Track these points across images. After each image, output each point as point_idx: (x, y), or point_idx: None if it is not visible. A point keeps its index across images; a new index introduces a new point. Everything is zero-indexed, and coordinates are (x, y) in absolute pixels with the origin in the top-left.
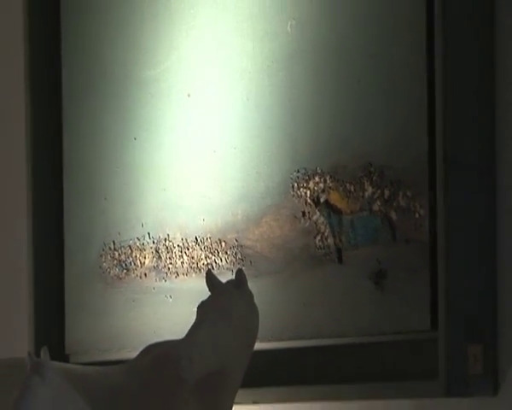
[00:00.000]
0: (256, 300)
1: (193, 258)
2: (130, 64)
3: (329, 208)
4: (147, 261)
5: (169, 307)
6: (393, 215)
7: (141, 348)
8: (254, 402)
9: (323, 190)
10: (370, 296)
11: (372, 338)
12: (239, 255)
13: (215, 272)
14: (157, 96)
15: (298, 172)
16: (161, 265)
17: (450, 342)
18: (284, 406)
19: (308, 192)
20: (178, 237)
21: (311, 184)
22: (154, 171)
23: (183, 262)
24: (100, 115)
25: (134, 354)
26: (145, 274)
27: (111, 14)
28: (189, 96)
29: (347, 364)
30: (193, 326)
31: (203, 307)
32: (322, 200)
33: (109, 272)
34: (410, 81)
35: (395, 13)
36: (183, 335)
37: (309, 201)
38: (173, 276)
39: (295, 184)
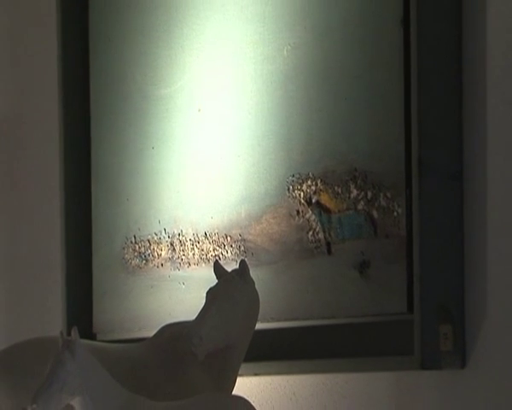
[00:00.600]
0: (257, 286)
1: (202, 250)
2: (149, 84)
3: (320, 208)
4: (163, 253)
5: (182, 293)
6: (375, 214)
7: (158, 328)
8: (255, 374)
9: (315, 192)
10: (355, 283)
11: (356, 319)
12: (242, 248)
13: (222, 262)
14: (171, 111)
15: (293, 176)
16: (175, 256)
17: (423, 322)
18: (281, 377)
19: (302, 194)
20: (190, 232)
21: (304, 187)
22: (170, 175)
23: (194, 254)
24: (122, 128)
25: (152, 333)
26: (161, 264)
27: (131, 42)
28: (199, 111)
29: (335, 341)
30: (202, 309)
31: (211, 293)
32: (313, 200)
33: (131, 263)
34: (388, 98)
35: (376, 39)
36: (195, 316)
37: (302, 201)
38: (186, 266)
39: (290, 187)
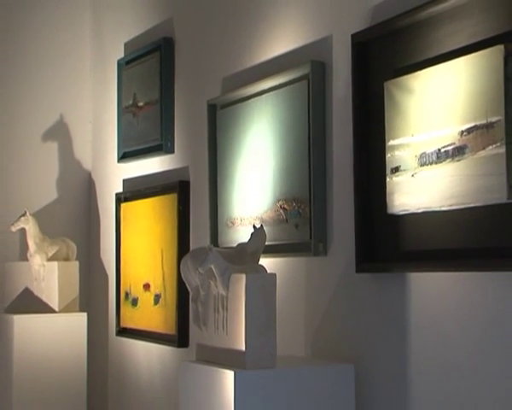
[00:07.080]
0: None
1: (249, 221)
2: (231, 171)
3: (284, 209)
4: (238, 221)
5: (244, 234)
6: (301, 211)
7: (236, 244)
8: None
9: (283, 204)
10: (293, 232)
11: (293, 241)
12: (261, 221)
13: (255, 225)
14: (238, 182)
15: (276, 199)
16: (242, 222)
17: (314, 243)
18: (270, 259)
19: (279, 204)
20: (245, 215)
21: (279, 202)
22: (237, 197)
23: (247, 222)
24: (226, 193)
25: (235, 245)
26: (238, 225)
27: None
28: (246, 170)
29: (282, 248)
30: (249, 239)
31: (251, 234)
32: (282, 206)
33: (228, 224)
34: (304, 180)
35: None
36: (247, 240)
37: (279, 207)
38: (244, 226)
39: (276, 202)
